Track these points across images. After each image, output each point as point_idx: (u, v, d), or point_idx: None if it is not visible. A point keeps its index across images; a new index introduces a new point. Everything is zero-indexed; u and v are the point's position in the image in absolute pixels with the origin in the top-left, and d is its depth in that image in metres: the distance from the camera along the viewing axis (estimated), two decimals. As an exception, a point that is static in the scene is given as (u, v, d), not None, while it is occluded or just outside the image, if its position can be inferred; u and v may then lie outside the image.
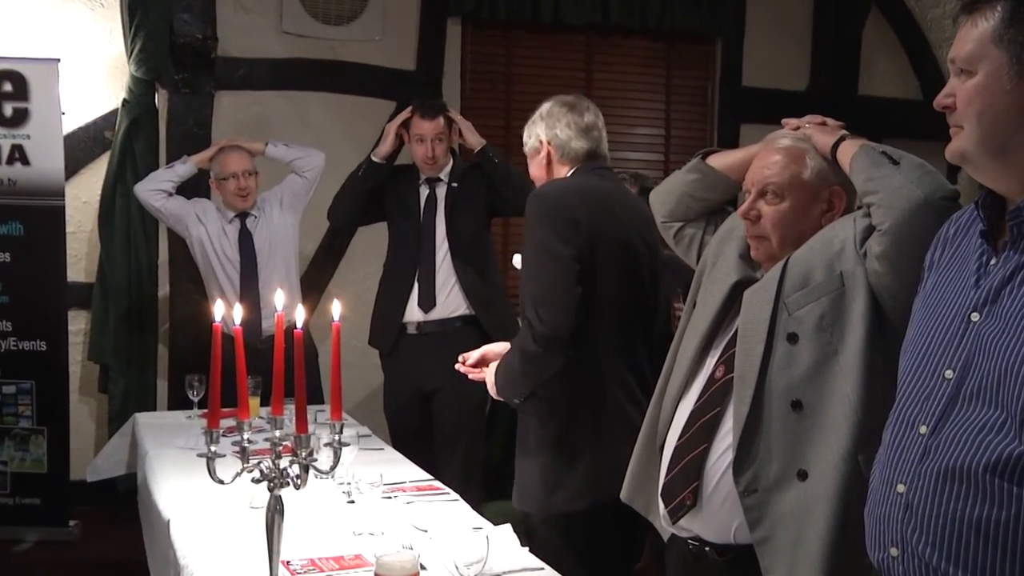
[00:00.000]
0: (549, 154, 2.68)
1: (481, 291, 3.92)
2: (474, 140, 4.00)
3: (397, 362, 4.02)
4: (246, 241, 4.23)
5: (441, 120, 3.94)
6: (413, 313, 3.92)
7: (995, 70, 1.38)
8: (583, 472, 2.52)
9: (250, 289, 4.16)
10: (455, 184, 3.98)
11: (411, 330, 3.94)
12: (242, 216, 4.25)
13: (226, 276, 4.23)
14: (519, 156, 2.95)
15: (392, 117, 4.24)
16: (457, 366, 2.75)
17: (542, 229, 2.50)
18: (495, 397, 2.65)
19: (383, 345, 4.05)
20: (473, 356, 2.74)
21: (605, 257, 2.53)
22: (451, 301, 3.90)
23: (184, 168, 4.30)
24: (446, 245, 3.92)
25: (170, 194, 4.27)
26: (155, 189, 4.25)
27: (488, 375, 2.64)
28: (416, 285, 3.92)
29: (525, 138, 2.75)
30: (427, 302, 3.91)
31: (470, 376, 2.73)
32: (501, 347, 2.73)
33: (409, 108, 4.03)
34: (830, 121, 2.06)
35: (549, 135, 2.67)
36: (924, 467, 1.40)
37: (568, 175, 2.65)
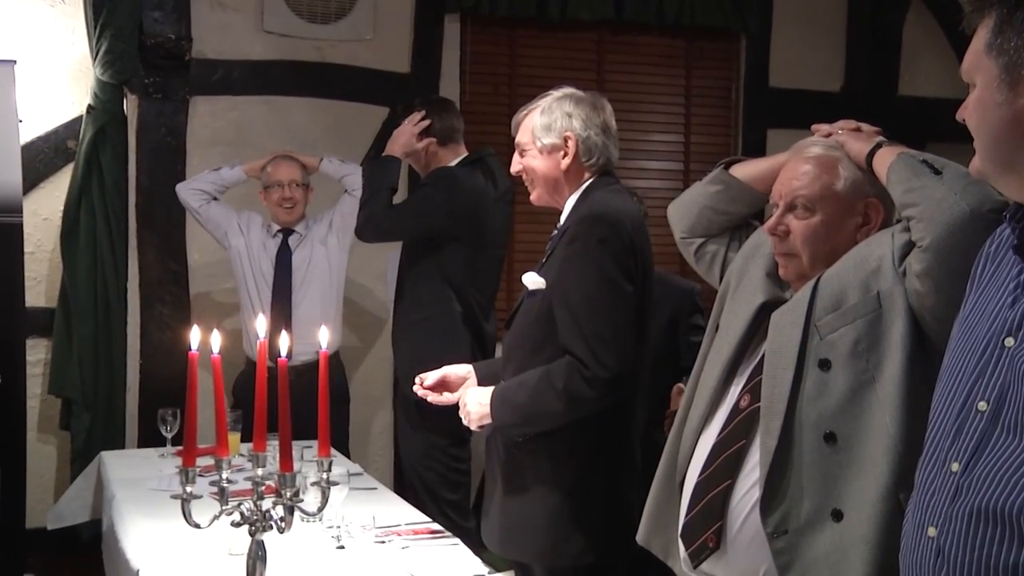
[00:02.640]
0: (575, 156, 2.59)
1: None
2: (388, 148, 3.98)
3: None
4: (284, 259, 4.37)
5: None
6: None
7: (987, 82, 1.44)
8: (596, 522, 2.53)
9: (281, 310, 4.27)
10: None
11: None
12: (286, 232, 4.40)
13: (257, 293, 4.37)
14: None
15: (386, 123, 4.26)
16: (415, 388, 2.74)
17: (605, 259, 2.46)
18: (475, 428, 2.63)
19: None
20: (432, 377, 2.73)
21: (645, 293, 2.56)
22: None
23: (231, 173, 4.47)
24: None
25: (214, 198, 4.44)
26: (197, 189, 4.44)
27: (471, 403, 2.59)
28: None
29: (537, 129, 2.61)
30: None
31: (429, 399, 2.72)
32: (464, 369, 2.74)
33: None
34: (865, 127, 2.09)
35: (581, 134, 2.58)
36: (956, 508, 1.41)
37: (585, 186, 2.61)
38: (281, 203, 4.37)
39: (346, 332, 4.83)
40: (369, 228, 3.86)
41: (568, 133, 2.59)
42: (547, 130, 2.61)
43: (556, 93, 2.64)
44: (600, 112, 2.62)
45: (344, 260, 4.48)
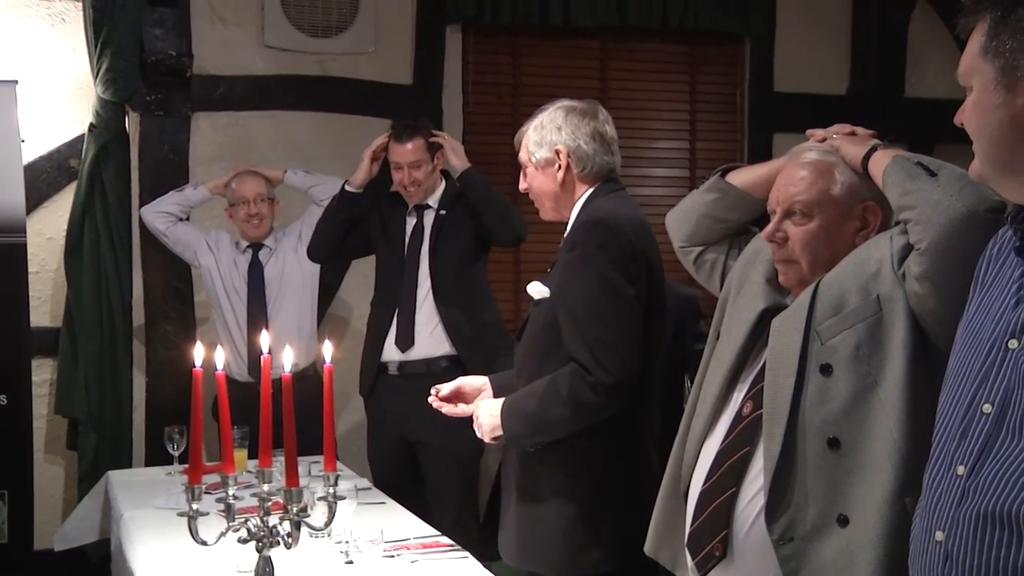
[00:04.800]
0: (568, 167, 2.64)
1: (466, 329, 4.01)
2: (458, 163, 4.07)
3: (378, 405, 4.13)
4: (256, 273, 4.41)
5: (418, 143, 4.04)
6: (391, 353, 4.03)
7: (984, 84, 1.46)
8: (614, 532, 2.55)
9: (257, 325, 4.28)
10: (443, 211, 4.07)
11: (392, 370, 4.05)
12: (255, 247, 4.44)
13: (232, 310, 4.41)
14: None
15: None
16: (430, 399, 2.77)
17: (604, 263, 2.49)
18: (489, 441, 2.65)
19: (363, 387, 4.16)
20: (447, 388, 2.75)
21: (652, 296, 2.58)
22: (432, 340, 4.00)
23: (195, 193, 4.53)
24: (428, 279, 4.03)
25: (179, 219, 4.50)
26: (161, 211, 4.49)
27: (483, 415, 2.62)
28: (395, 323, 4.02)
29: (531, 145, 2.68)
30: (405, 341, 4.01)
31: (444, 411, 2.75)
32: (480, 380, 2.77)
33: (387, 131, 4.14)
34: (860, 130, 2.12)
35: (570, 145, 2.62)
36: (963, 512, 1.43)
37: (587, 195, 2.64)
38: (248, 219, 4.40)
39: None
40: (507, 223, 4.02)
41: (558, 146, 2.64)
42: (539, 145, 2.67)
43: (551, 107, 2.69)
44: (591, 120, 2.65)
45: (317, 270, 4.50)
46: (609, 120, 2.69)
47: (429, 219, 4.09)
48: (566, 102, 2.70)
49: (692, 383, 4.17)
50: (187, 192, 4.54)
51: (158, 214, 4.49)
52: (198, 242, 4.48)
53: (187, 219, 4.61)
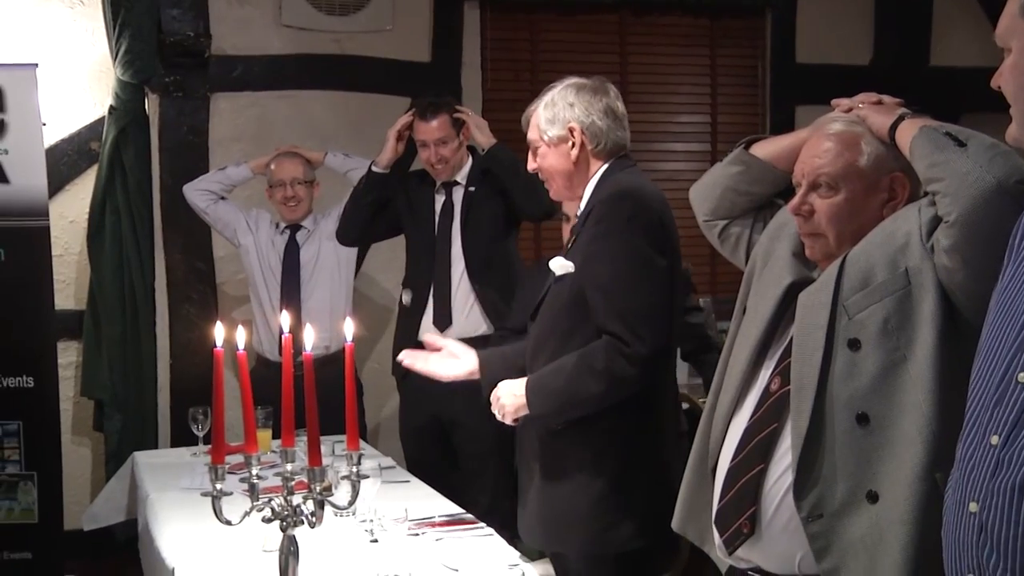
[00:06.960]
0: (582, 145, 2.61)
1: (501, 306, 3.97)
2: (483, 140, 4.05)
3: (412, 385, 4.08)
4: (291, 255, 4.42)
5: (443, 119, 4.01)
6: (428, 333, 3.99)
7: (1023, 46, 1.42)
8: (644, 508, 2.53)
9: (291, 305, 4.30)
10: (472, 188, 4.04)
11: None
12: (293, 229, 4.44)
13: (267, 290, 4.43)
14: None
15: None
16: (407, 362, 2.81)
17: (635, 236, 2.48)
18: (510, 422, 2.60)
19: (395, 367, 4.13)
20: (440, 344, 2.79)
21: (675, 270, 2.57)
22: (471, 320, 3.97)
23: (237, 172, 4.53)
24: (462, 257, 4.00)
25: (221, 197, 4.51)
26: (203, 190, 4.50)
27: (504, 396, 2.58)
28: (431, 302, 4.01)
29: (542, 123, 2.64)
30: (442, 321, 3.99)
31: (405, 363, 2.79)
32: (463, 351, 2.76)
33: (410, 109, 4.11)
34: (887, 99, 2.06)
35: (584, 122, 2.60)
36: (997, 483, 1.41)
37: (602, 171, 2.62)
38: (284, 202, 4.40)
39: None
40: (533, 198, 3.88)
41: (572, 124, 2.61)
42: (551, 123, 2.64)
43: (558, 85, 2.67)
44: (603, 96, 2.63)
45: (353, 254, 4.50)
46: (619, 96, 2.67)
47: (458, 196, 4.06)
48: (575, 80, 2.67)
49: (683, 357, 4.13)
50: (229, 171, 4.54)
51: (199, 192, 4.50)
52: (238, 221, 4.49)
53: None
